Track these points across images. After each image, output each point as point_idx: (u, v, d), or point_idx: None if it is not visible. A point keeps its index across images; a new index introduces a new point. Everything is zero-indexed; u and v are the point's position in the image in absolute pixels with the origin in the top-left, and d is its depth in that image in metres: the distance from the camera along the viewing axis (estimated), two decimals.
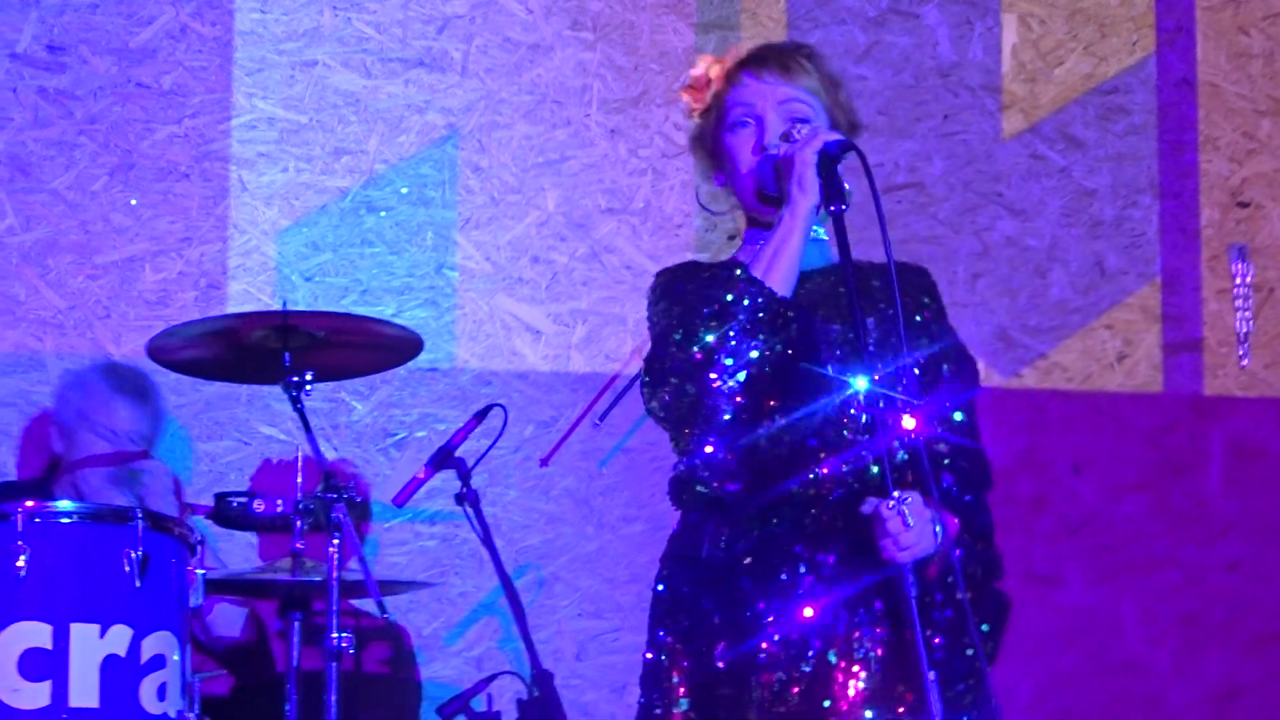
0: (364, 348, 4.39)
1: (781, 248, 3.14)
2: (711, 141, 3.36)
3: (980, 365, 5.67)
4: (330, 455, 5.37)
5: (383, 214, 5.55)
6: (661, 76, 5.67)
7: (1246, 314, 6.00)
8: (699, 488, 3.22)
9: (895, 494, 3.04)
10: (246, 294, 5.40)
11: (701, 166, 3.43)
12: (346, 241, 5.52)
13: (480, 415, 4.36)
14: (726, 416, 3.16)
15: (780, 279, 3.14)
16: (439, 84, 5.60)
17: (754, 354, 3.13)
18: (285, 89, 5.52)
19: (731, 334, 3.12)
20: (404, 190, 5.56)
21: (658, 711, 3.26)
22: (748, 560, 3.23)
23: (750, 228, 3.40)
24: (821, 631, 3.20)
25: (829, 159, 3.11)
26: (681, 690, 3.24)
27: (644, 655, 3.32)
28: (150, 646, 3.70)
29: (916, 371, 3.27)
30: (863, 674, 3.19)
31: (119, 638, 3.66)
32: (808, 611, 3.21)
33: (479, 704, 4.39)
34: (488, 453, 4.40)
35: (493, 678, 4.39)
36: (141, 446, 4.75)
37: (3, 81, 5.37)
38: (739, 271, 3.14)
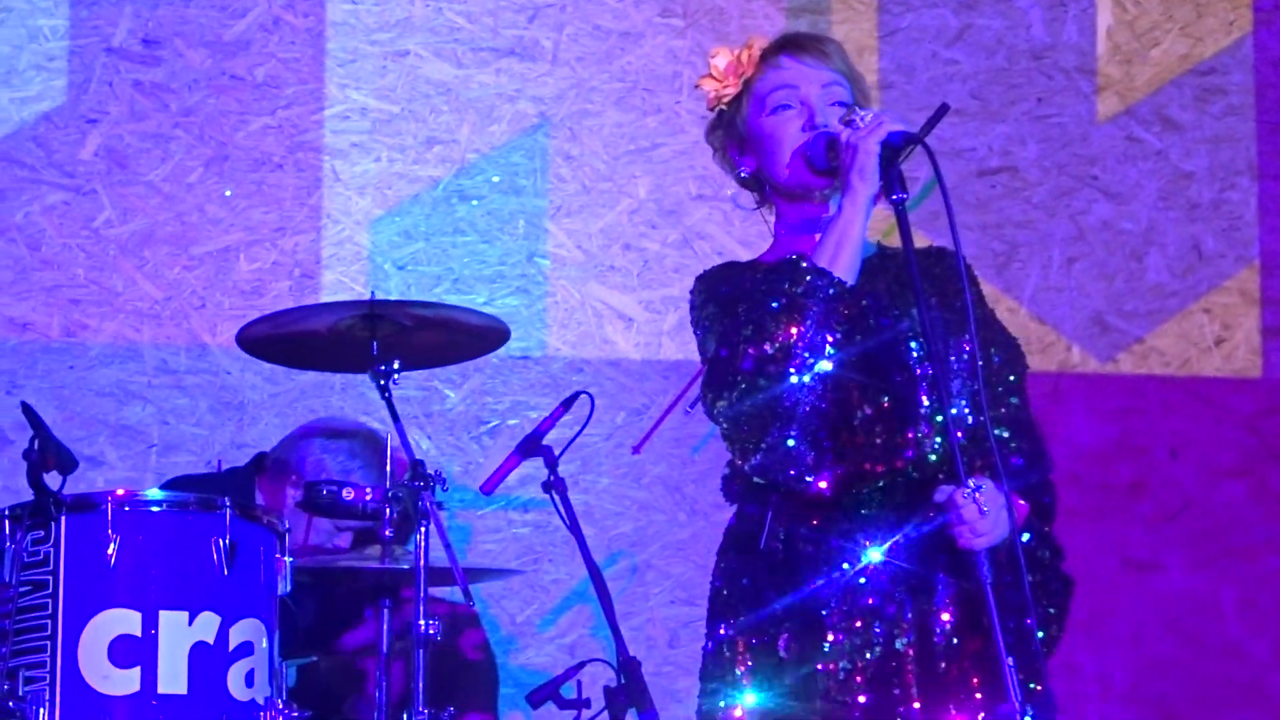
0: (451, 336, 4.39)
1: (844, 237, 3.12)
2: (743, 128, 3.31)
3: (1075, 350, 5.71)
4: (424, 444, 5.41)
5: (474, 203, 5.56)
6: None
7: None
8: (779, 481, 3.19)
9: (970, 482, 3.02)
10: (340, 283, 5.43)
11: (725, 159, 3.38)
12: (438, 230, 5.54)
13: (568, 403, 4.34)
14: (807, 409, 3.14)
15: (846, 267, 3.12)
16: (530, 73, 5.60)
17: (830, 345, 3.12)
18: (377, 79, 5.54)
19: (807, 326, 3.10)
20: (495, 179, 5.57)
21: (723, 703, 3.25)
22: (809, 549, 3.21)
23: (780, 220, 3.36)
24: (887, 619, 3.18)
25: (892, 150, 3.08)
26: (746, 681, 3.23)
27: (704, 648, 3.31)
28: (238, 633, 3.69)
29: (968, 358, 3.25)
30: (931, 661, 3.16)
31: (207, 625, 3.65)
32: (870, 600, 3.20)
33: (569, 691, 4.38)
34: (574, 440, 4.38)
35: (582, 665, 4.37)
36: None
37: (99, 76, 5.42)
38: (804, 264, 3.11)
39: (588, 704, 4.38)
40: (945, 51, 5.79)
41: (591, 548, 5.28)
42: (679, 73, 5.63)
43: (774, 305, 3.10)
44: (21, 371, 5.31)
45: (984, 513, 3.02)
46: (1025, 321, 5.67)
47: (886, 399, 3.18)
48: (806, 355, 3.09)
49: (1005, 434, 3.23)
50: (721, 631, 3.29)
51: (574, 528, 4.13)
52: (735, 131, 3.32)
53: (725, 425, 3.19)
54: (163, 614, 3.64)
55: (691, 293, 3.36)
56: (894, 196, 3.07)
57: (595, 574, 4.08)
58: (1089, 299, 5.75)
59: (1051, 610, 3.20)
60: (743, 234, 5.58)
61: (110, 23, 5.43)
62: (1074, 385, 5.70)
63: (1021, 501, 3.15)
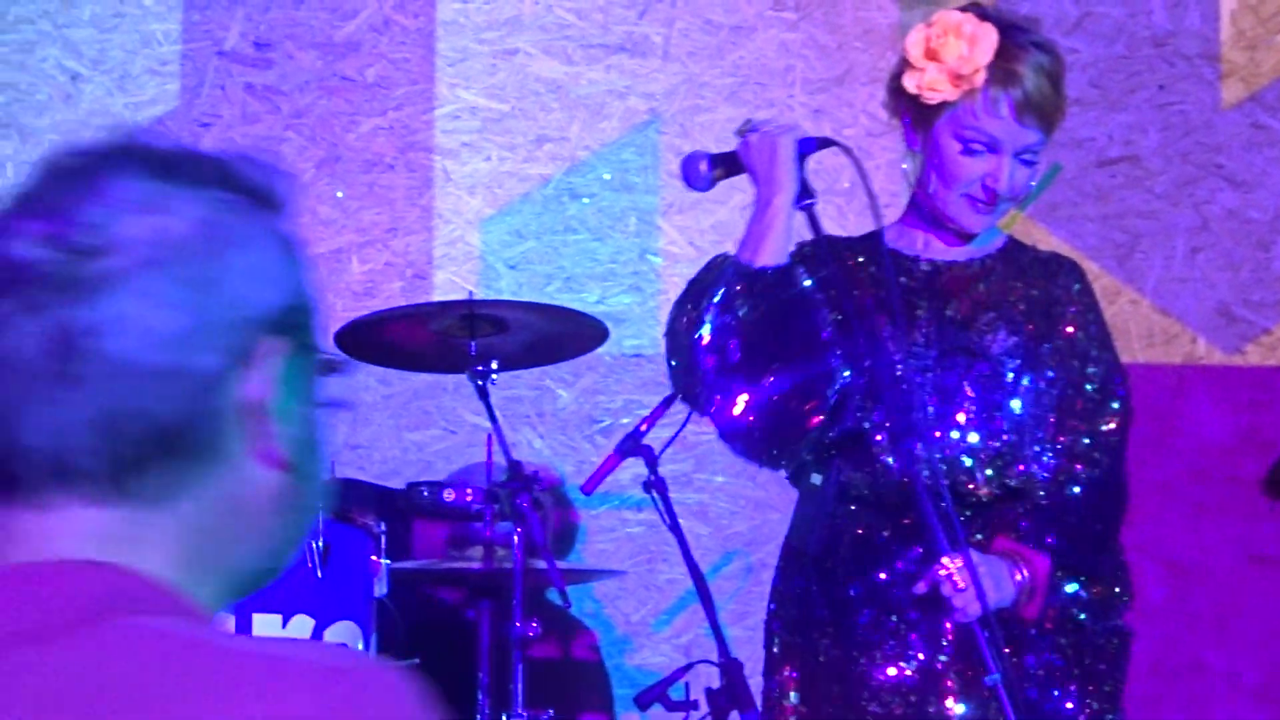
0: (553, 337, 4.39)
1: (769, 230, 3.26)
2: (931, 125, 3.25)
3: (1200, 342, 5.58)
4: (536, 443, 5.39)
5: (585, 201, 5.53)
6: (865, 54, 5.57)
7: None
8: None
9: (944, 560, 2.98)
10: (451, 283, 5.41)
11: (897, 118, 3.35)
12: (549, 229, 5.51)
13: (668, 401, 4.29)
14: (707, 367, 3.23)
15: (767, 258, 3.22)
16: (640, 69, 5.56)
17: (731, 319, 3.15)
18: (487, 78, 5.53)
19: (707, 310, 3.22)
20: (606, 176, 5.54)
21: (773, 703, 3.26)
22: (848, 559, 3.20)
23: (902, 223, 3.39)
24: (924, 632, 3.14)
25: (802, 155, 3.23)
26: (791, 684, 3.22)
27: (764, 645, 3.31)
28: (333, 636, 3.73)
29: (1045, 386, 3.18)
30: (975, 674, 3.10)
31: (301, 627, 3.69)
32: (912, 614, 3.17)
33: (677, 692, 4.33)
34: (674, 439, 4.33)
35: (689, 666, 4.32)
36: None
37: (211, 79, 5.45)
38: (719, 261, 3.29)
39: (695, 705, 4.33)
40: (1064, 40, 5.66)
41: (706, 547, 5.28)
42: (791, 66, 5.56)
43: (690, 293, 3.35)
44: None
45: (960, 589, 2.97)
46: (1148, 314, 5.56)
47: (885, 416, 3.16)
48: (704, 330, 3.22)
49: (1064, 480, 3.20)
50: (774, 626, 3.32)
51: (675, 527, 4.08)
52: (922, 118, 3.25)
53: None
54: (256, 617, 3.68)
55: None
56: (805, 202, 3.19)
57: (697, 574, 4.03)
58: (1214, 290, 5.62)
59: (1102, 666, 3.14)
60: (857, 228, 5.50)
61: (222, 26, 5.46)
62: (1199, 378, 5.57)
63: (1039, 557, 3.10)
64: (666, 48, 5.57)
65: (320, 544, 3.70)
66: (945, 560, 2.97)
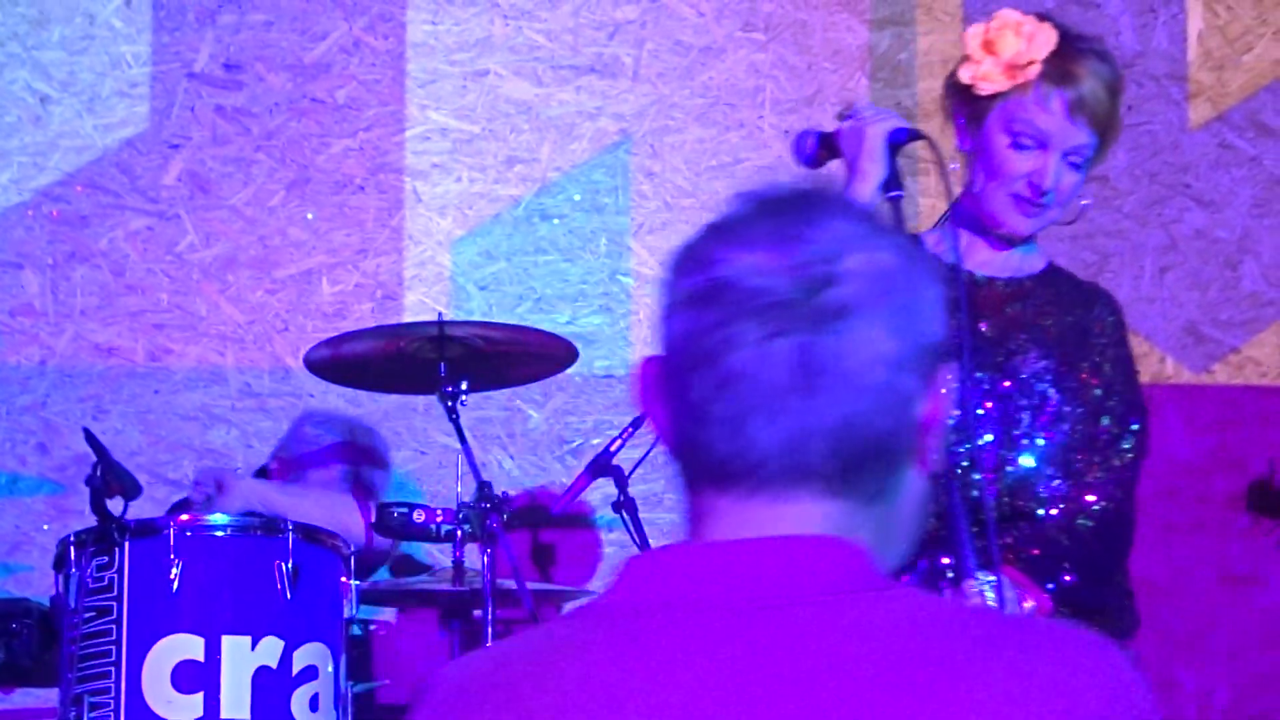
0: (520, 357, 4.38)
1: None
2: (982, 123, 3.24)
3: (1169, 361, 5.60)
4: (506, 464, 5.39)
5: (556, 221, 5.53)
6: (835, 75, 5.58)
7: None
8: None
9: (977, 576, 2.97)
10: (422, 304, 5.41)
11: (950, 119, 3.31)
12: (520, 250, 5.51)
13: (637, 422, 4.30)
14: None
15: None
16: (610, 90, 5.57)
17: None
18: (458, 99, 5.53)
19: None
20: (577, 197, 5.54)
21: None
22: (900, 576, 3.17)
23: (959, 202, 3.31)
24: None
25: (895, 146, 3.08)
26: None
27: None
28: (302, 658, 3.69)
29: (1067, 412, 3.18)
30: None
31: (270, 649, 3.66)
32: None
33: None
34: (644, 459, 4.35)
35: None
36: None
37: (181, 101, 5.44)
38: None
39: None
40: None
41: None
42: (761, 87, 5.57)
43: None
44: (108, 396, 5.34)
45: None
46: None
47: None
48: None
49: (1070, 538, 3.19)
50: None
51: (644, 547, 4.09)
52: (975, 114, 3.24)
53: None
54: (225, 639, 3.65)
55: None
56: (891, 194, 3.05)
57: None
58: (1183, 309, 5.63)
59: None
60: None
61: (192, 48, 5.45)
62: (1168, 397, 5.58)
63: (1041, 597, 3.10)
64: (636, 69, 5.58)
65: (290, 565, 3.69)
66: (979, 575, 2.95)
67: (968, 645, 1.42)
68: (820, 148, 3.17)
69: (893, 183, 3.05)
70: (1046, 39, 3.17)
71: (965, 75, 3.22)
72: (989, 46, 3.20)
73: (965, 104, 3.26)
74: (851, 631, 1.43)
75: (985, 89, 3.19)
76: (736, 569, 1.47)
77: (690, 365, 1.49)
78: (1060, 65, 3.17)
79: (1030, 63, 3.16)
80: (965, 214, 3.30)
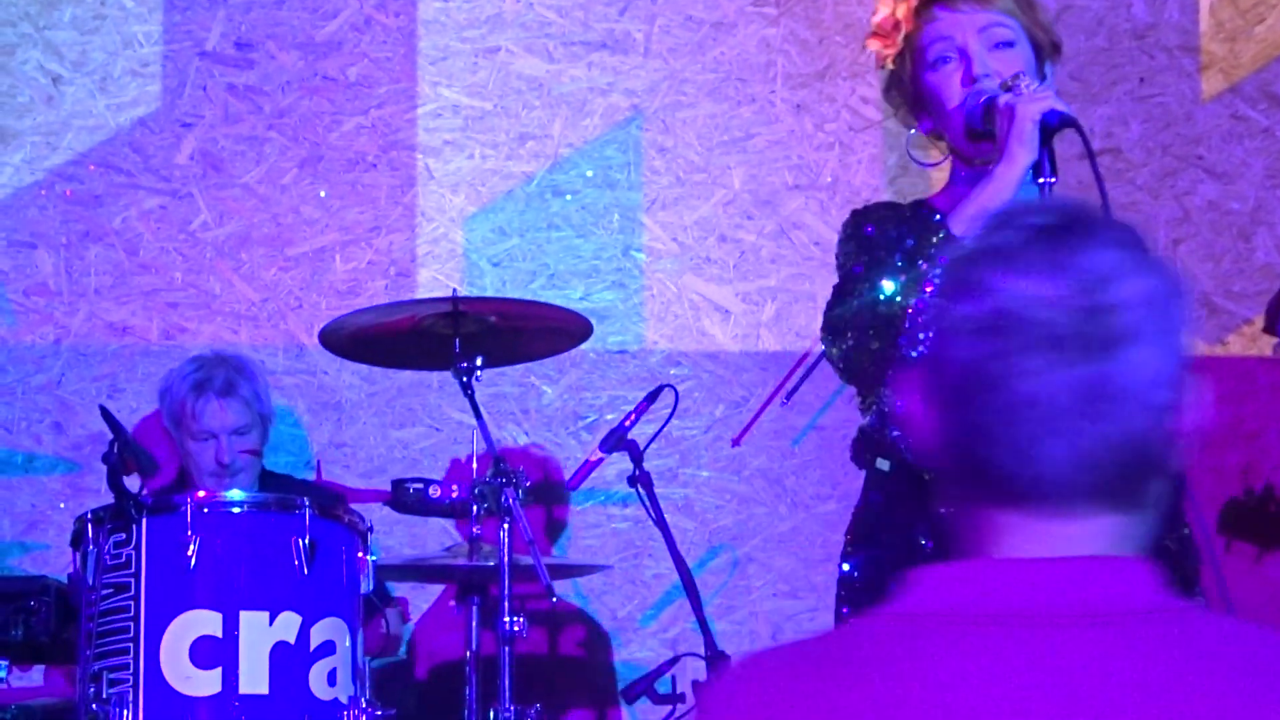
0: (535, 332, 4.37)
1: (989, 205, 2.93)
2: (911, 85, 3.19)
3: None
4: (521, 439, 5.39)
5: (568, 198, 5.53)
6: (847, 49, 5.57)
7: None
8: (889, 442, 3.12)
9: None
10: (435, 280, 5.42)
11: (902, 115, 3.26)
12: (533, 226, 5.52)
13: (652, 397, 4.31)
14: None
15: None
16: (622, 65, 5.57)
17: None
18: (469, 76, 5.53)
19: (926, 298, 2.97)
20: (589, 173, 5.54)
21: None
22: (930, 545, 3.13)
23: (957, 169, 3.23)
24: None
25: (1048, 129, 2.94)
26: None
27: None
28: (319, 633, 3.70)
29: None
30: None
31: (288, 625, 3.66)
32: None
33: (664, 686, 4.35)
34: (659, 434, 4.35)
35: (676, 660, 4.34)
36: (248, 439, 4.76)
37: (193, 80, 5.45)
38: (936, 222, 3.02)
39: (682, 698, 4.35)
40: None
41: (692, 541, 5.29)
42: (772, 61, 5.57)
43: (897, 262, 3.01)
44: (122, 375, 5.35)
45: None
46: None
47: None
48: (918, 331, 2.98)
49: None
50: (847, 616, 3.23)
51: (660, 522, 4.09)
52: (906, 89, 3.20)
53: (839, 368, 3.14)
54: (243, 614, 3.66)
55: (843, 224, 3.25)
56: (1042, 180, 2.94)
57: (683, 569, 4.04)
58: (1196, 281, 5.62)
59: None
60: (839, 223, 5.48)
61: (203, 27, 5.46)
62: None
63: None
64: (648, 44, 5.57)
65: (307, 541, 3.69)
66: None
67: (1273, 669, 1.51)
68: (985, 118, 3.04)
69: (1042, 170, 2.94)
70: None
71: (879, 64, 3.21)
72: (876, 30, 3.17)
73: (901, 93, 3.22)
74: (1157, 652, 1.51)
75: (891, 54, 3.16)
76: (1043, 586, 1.56)
77: (974, 389, 1.57)
78: None
79: (904, 5, 3.13)
80: (958, 172, 3.27)
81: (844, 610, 3.23)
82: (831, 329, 3.08)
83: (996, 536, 1.59)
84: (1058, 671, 1.51)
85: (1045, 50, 3.20)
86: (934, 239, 3.01)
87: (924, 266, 2.99)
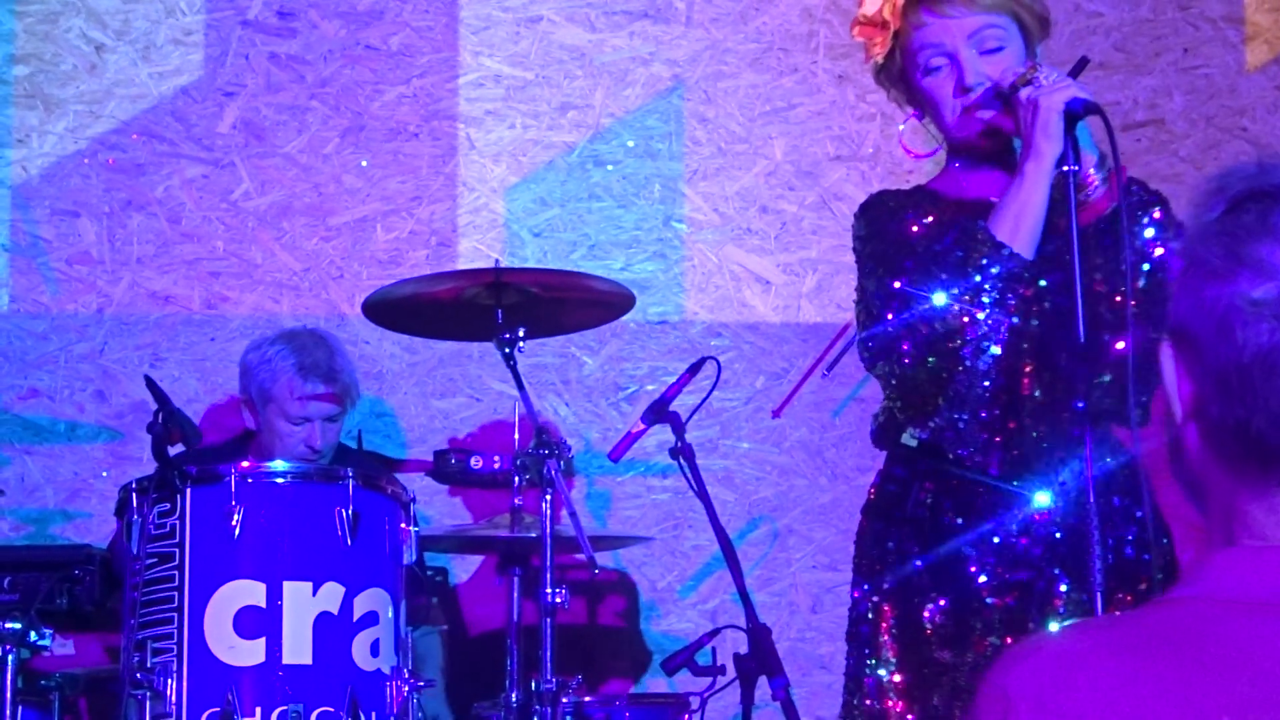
0: (577, 303, 4.37)
1: (1026, 206, 3.01)
2: (904, 82, 3.24)
3: None
4: (562, 410, 5.40)
5: (610, 168, 5.53)
6: None
7: None
8: (948, 455, 3.13)
9: None
10: (476, 250, 5.42)
11: (894, 96, 3.31)
12: (574, 196, 5.52)
13: (694, 368, 4.29)
14: (980, 390, 3.07)
15: (1026, 240, 3.01)
16: (664, 35, 5.56)
17: (1005, 329, 3.03)
18: (511, 46, 5.53)
19: (983, 308, 2.99)
20: (630, 144, 5.54)
21: (868, 666, 3.21)
22: (960, 520, 3.15)
23: (953, 157, 3.28)
24: (1039, 598, 3.11)
25: (1072, 117, 2.98)
26: (890, 649, 3.18)
27: (850, 611, 3.27)
28: (362, 604, 3.70)
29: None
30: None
31: (331, 595, 3.66)
32: (1023, 575, 3.13)
33: (704, 658, 4.34)
34: (701, 405, 4.33)
35: (716, 632, 4.32)
36: (339, 423, 4.78)
37: (235, 49, 5.45)
38: (980, 235, 3.00)
39: (723, 670, 4.33)
40: (1088, 4, 5.67)
41: (732, 513, 5.29)
42: (814, 32, 5.55)
43: (943, 277, 3.01)
44: (164, 344, 5.37)
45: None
46: None
47: (1052, 380, 3.10)
48: (981, 342, 3.01)
49: None
50: (866, 591, 3.25)
51: (702, 494, 4.07)
52: (900, 83, 3.25)
53: (890, 385, 3.14)
54: (287, 585, 3.65)
55: (855, 219, 3.26)
56: (1067, 167, 2.97)
57: (724, 540, 4.02)
58: None
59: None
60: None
61: None
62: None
63: None
64: (690, 14, 5.56)
65: (350, 512, 3.70)
66: None
67: None
68: (1003, 108, 3.07)
69: (1069, 156, 2.97)
70: None
71: (866, 57, 3.24)
72: (861, 19, 3.21)
73: (891, 84, 3.27)
74: None
75: (879, 52, 3.20)
76: None
77: (1273, 372, 1.52)
78: None
79: (890, 4, 3.16)
80: (954, 160, 3.28)
81: (865, 587, 3.24)
82: (881, 348, 3.07)
83: None
84: None
85: (1035, 34, 3.21)
86: (982, 249, 3.01)
87: (977, 279, 2.99)
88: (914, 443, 3.20)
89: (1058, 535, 3.12)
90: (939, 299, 3.00)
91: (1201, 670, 1.48)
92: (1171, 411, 1.61)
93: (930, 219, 3.19)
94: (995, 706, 1.52)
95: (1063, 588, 3.11)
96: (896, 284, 3.07)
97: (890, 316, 3.06)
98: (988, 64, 3.13)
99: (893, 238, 3.18)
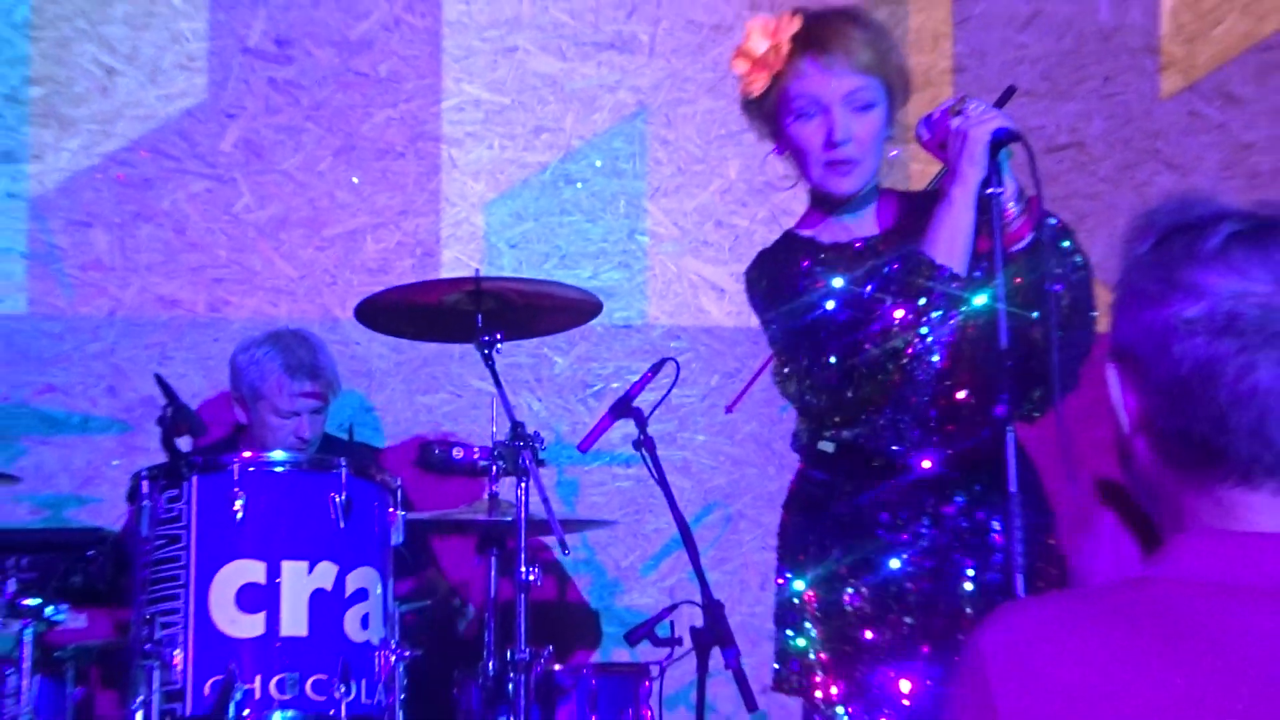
0: (549, 309, 4.40)
1: (957, 226, 3.01)
2: (771, 121, 3.22)
3: None
4: (535, 406, 5.44)
5: (579, 185, 5.58)
6: None
7: None
8: (881, 453, 3.14)
9: None
10: (458, 261, 5.47)
11: (758, 129, 3.27)
12: (547, 211, 5.56)
13: (656, 368, 4.33)
14: (926, 396, 3.11)
15: (960, 259, 3.02)
16: (629, 64, 5.61)
17: (948, 336, 3.04)
18: (489, 73, 5.57)
19: (928, 324, 3.01)
20: (598, 163, 5.59)
21: (795, 650, 3.23)
22: (878, 515, 3.16)
23: (808, 214, 3.31)
24: (949, 581, 3.14)
25: (996, 144, 2.98)
26: (817, 631, 3.20)
27: (776, 598, 3.28)
28: (354, 581, 3.71)
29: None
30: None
31: (325, 573, 3.68)
32: (930, 562, 3.15)
33: (663, 630, 4.39)
34: (662, 402, 4.39)
35: (674, 607, 4.38)
36: (323, 415, 4.84)
37: (236, 74, 5.49)
38: (919, 259, 3.01)
39: (680, 642, 4.37)
40: (1016, 36, 5.73)
41: (688, 499, 5.33)
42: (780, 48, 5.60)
43: (889, 306, 3.02)
44: (171, 344, 5.40)
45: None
46: (1095, 288, 5.60)
47: (982, 387, 3.14)
48: (925, 355, 3.03)
49: None
50: (788, 578, 3.27)
51: (662, 482, 4.12)
52: (767, 121, 3.23)
53: (823, 407, 3.12)
54: (285, 564, 3.67)
55: (751, 271, 3.28)
56: (990, 190, 2.97)
57: (682, 524, 4.07)
58: None
59: None
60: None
61: (245, 25, 5.50)
62: None
63: None
64: (652, 45, 5.61)
65: (343, 497, 3.72)
66: None
67: None
68: (935, 136, 3.07)
69: (993, 180, 2.98)
70: (789, 25, 3.15)
71: (741, 89, 3.20)
72: (745, 54, 3.17)
73: (759, 118, 3.24)
74: None
75: (757, 88, 3.17)
76: None
77: (1208, 383, 1.57)
78: (805, 36, 3.14)
79: (776, 47, 3.13)
80: (817, 209, 3.29)
81: (787, 574, 3.26)
82: (841, 379, 3.05)
83: (1232, 512, 1.59)
84: None
85: (899, 98, 3.20)
86: (924, 271, 3.01)
87: (922, 301, 2.99)
88: (830, 448, 3.22)
89: (964, 525, 3.15)
90: (889, 327, 3.01)
91: (1159, 641, 1.52)
92: (1119, 423, 1.65)
93: (807, 263, 3.20)
94: (972, 663, 1.56)
95: (970, 572, 3.14)
96: (846, 315, 3.08)
97: (826, 350, 3.07)
98: (857, 121, 3.13)
99: (800, 288, 3.17)
